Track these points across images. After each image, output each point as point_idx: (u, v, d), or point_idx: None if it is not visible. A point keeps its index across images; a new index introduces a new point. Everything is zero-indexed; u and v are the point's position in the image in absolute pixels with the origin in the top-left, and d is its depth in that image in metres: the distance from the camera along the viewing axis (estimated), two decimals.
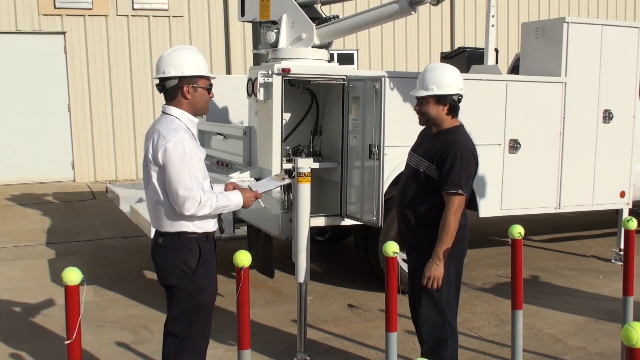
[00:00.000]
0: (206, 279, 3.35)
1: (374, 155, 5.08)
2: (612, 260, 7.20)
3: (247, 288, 3.45)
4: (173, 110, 3.31)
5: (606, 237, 8.25)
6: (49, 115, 12.73)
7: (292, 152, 5.74)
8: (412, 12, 5.68)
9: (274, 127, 5.51)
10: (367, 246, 6.02)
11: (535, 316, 5.49)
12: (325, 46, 6.13)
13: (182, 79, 3.27)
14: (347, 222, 5.60)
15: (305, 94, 5.97)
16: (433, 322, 3.86)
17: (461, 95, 3.82)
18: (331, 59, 6.23)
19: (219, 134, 6.92)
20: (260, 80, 5.53)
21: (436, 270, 3.67)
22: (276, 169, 5.49)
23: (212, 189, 3.38)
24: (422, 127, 4.04)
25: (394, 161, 5.42)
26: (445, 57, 8.90)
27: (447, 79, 3.76)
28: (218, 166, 6.84)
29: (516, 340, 4.17)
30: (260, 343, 4.86)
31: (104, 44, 12.98)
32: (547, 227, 8.83)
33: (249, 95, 5.95)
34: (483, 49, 7.61)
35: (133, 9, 13.05)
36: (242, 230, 6.14)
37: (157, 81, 3.33)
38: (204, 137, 7.33)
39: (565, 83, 6.39)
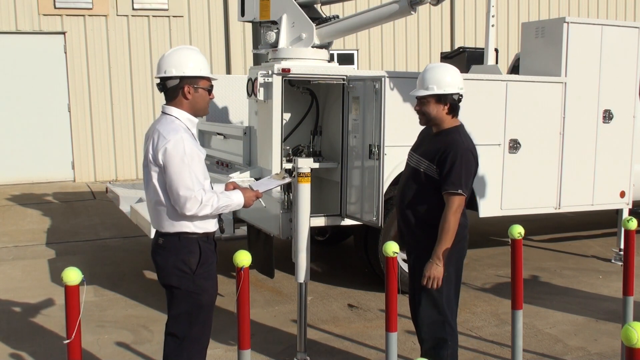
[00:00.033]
0: (207, 279, 3.35)
1: (374, 155, 5.08)
2: (612, 260, 7.20)
3: (247, 288, 3.45)
4: (173, 110, 3.31)
5: (606, 237, 8.25)
6: (49, 115, 12.74)
7: (292, 152, 5.73)
8: (412, 12, 5.68)
9: (274, 127, 5.51)
10: (367, 246, 6.02)
11: (535, 316, 5.49)
12: (325, 46, 6.13)
13: (183, 79, 3.27)
14: (347, 222, 5.60)
15: (305, 94, 5.97)
16: (433, 322, 3.86)
17: (461, 95, 3.82)
18: (331, 59, 6.23)
19: (219, 134, 6.92)
20: (260, 80, 5.53)
21: (436, 270, 3.67)
22: (276, 169, 5.49)
23: (212, 188, 3.38)
24: (422, 127, 4.04)
25: (394, 161, 5.42)
26: (445, 57, 8.89)
27: (447, 79, 3.76)
28: (218, 166, 6.84)
29: (516, 340, 4.17)
30: (260, 343, 4.86)
31: (104, 44, 12.98)
32: (547, 227, 8.83)
33: (249, 95, 5.95)
34: (483, 49, 7.61)
35: (133, 9, 13.06)
36: (242, 230, 6.14)
37: (158, 80, 3.33)
38: (204, 137, 7.33)
39: (565, 83, 6.39)
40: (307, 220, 4.46)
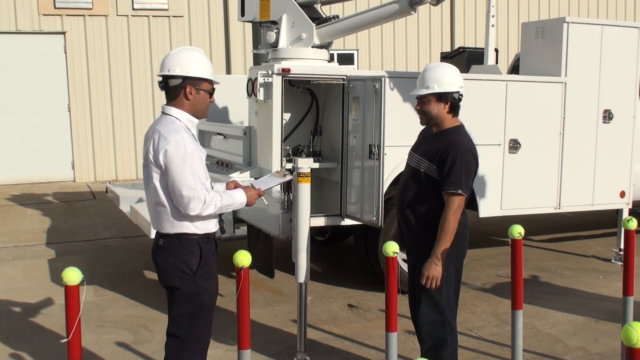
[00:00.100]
0: (207, 280, 3.34)
1: (374, 155, 5.07)
2: (612, 260, 7.20)
3: (247, 288, 3.45)
4: (173, 110, 3.31)
5: (606, 237, 8.25)
6: (49, 115, 12.74)
7: (292, 152, 5.73)
8: (412, 12, 5.68)
9: (274, 127, 5.51)
10: (367, 246, 6.02)
11: (535, 316, 5.49)
12: (325, 46, 6.13)
13: (186, 79, 3.27)
14: (347, 222, 5.60)
15: (305, 94, 5.97)
16: (433, 322, 3.86)
17: (461, 95, 3.82)
18: (331, 59, 6.23)
19: (219, 134, 6.92)
20: (260, 80, 5.53)
21: (435, 270, 3.67)
22: (276, 170, 5.49)
23: (212, 188, 3.38)
24: (422, 127, 4.04)
25: (394, 161, 5.42)
26: (445, 57, 8.90)
27: (448, 78, 3.77)
28: (218, 166, 6.84)
29: (516, 340, 4.17)
30: (260, 343, 4.86)
31: (104, 44, 12.98)
32: (547, 227, 8.83)
33: (249, 95, 5.95)
34: (483, 49, 7.61)
35: (133, 9, 13.06)
36: (242, 230, 6.14)
37: (160, 78, 3.33)
38: (204, 137, 7.33)
39: (565, 83, 6.39)
40: (307, 220, 4.46)
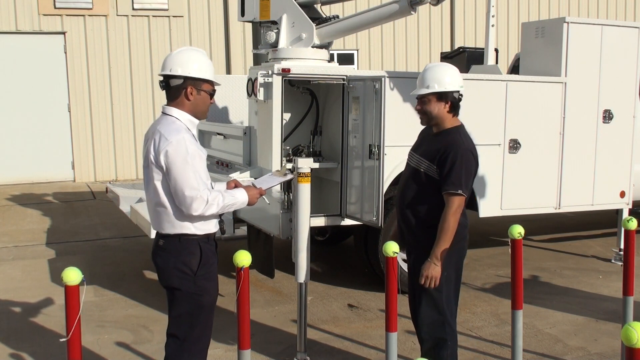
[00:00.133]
0: (207, 280, 3.34)
1: (374, 155, 5.07)
2: (612, 260, 7.20)
3: (247, 288, 3.45)
4: (173, 111, 3.30)
5: (606, 237, 8.25)
6: (49, 115, 12.74)
7: (292, 152, 5.73)
8: (412, 12, 5.68)
9: (274, 127, 5.51)
10: (367, 246, 6.02)
11: (535, 316, 5.49)
12: (325, 46, 6.13)
13: (187, 80, 3.27)
14: (347, 222, 5.60)
15: (305, 94, 5.97)
16: (432, 322, 3.86)
17: (461, 94, 3.83)
18: (331, 59, 6.22)
19: (219, 134, 6.92)
20: (260, 80, 5.52)
21: (433, 270, 3.67)
22: (277, 169, 5.49)
23: (213, 188, 3.37)
24: (422, 127, 4.04)
25: (394, 161, 5.42)
26: (445, 57, 8.90)
27: (447, 77, 3.77)
28: (218, 166, 6.84)
29: (516, 340, 4.17)
30: (260, 343, 4.86)
31: (104, 44, 12.98)
32: (547, 227, 8.83)
33: (249, 95, 5.95)
34: (483, 49, 7.61)
35: (133, 9, 13.06)
36: (242, 230, 6.14)
37: (161, 78, 3.32)
38: (204, 137, 7.33)
39: (565, 83, 6.39)
40: (307, 220, 4.46)
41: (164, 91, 3.34)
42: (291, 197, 4.91)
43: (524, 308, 4.21)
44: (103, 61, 12.96)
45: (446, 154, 3.69)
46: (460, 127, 3.85)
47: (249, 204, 3.41)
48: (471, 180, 3.78)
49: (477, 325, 5.33)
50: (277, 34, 5.99)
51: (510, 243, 4.11)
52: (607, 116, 6.64)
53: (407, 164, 4.00)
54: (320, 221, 5.56)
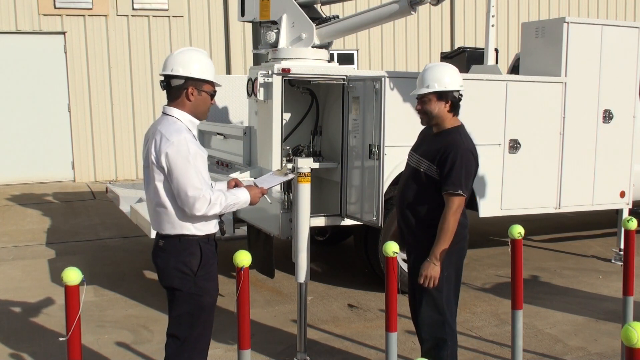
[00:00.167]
0: (208, 281, 3.34)
1: (374, 155, 5.08)
2: (612, 260, 7.20)
3: (247, 288, 3.45)
4: (174, 111, 3.30)
5: (606, 237, 8.25)
6: (49, 115, 12.74)
7: (292, 152, 5.73)
8: (412, 12, 5.68)
9: (274, 127, 5.51)
10: (367, 246, 6.02)
11: (535, 316, 5.49)
12: (325, 46, 6.13)
13: (189, 80, 3.26)
14: (347, 222, 5.60)
15: (305, 94, 5.97)
16: (432, 322, 3.86)
17: (461, 94, 3.83)
18: (331, 59, 6.23)
19: (219, 134, 6.92)
20: (260, 80, 5.52)
21: (433, 270, 3.67)
22: (277, 169, 5.49)
23: (213, 188, 3.37)
24: (422, 127, 4.04)
25: (394, 161, 5.42)
26: (445, 57, 8.90)
27: (447, 77, 3.77)
28: (218, 166, 6.84)
29: (516, 340, 4.17)
30: (260, 343, 4.86)
31: (104, 44, 12.98)
32: (547, 227, 8.83)
33: (249, 95, 5.95)
34: (483, 49, 7.61)
35: (133, 9, 13.06)
36: (242, 230, 6.14)
37: (162, 78, 3.32)
38: (204, 137, 7.33)
39: (565, 83, 6.39)
40: (307, 220, 4.46)
41: (165, 91, 3.34)
42: (291, 197, 4.91)
43: (524, 308, 4.21)
44: (103, 61, 12.96)
45: (446, 154, 3.70)
46: (461, 127, 3.85)
47: (251, 204, 3.40)
48: (471, 180, 3.78)
49: (477, 325, 5.33)
50: (277, 34, 5.99)
51: (510, 243, 4.11)
52: (607, 116, 6.64)
53: (407, 164, 4.00)
54: (320, 221, 5.56)
